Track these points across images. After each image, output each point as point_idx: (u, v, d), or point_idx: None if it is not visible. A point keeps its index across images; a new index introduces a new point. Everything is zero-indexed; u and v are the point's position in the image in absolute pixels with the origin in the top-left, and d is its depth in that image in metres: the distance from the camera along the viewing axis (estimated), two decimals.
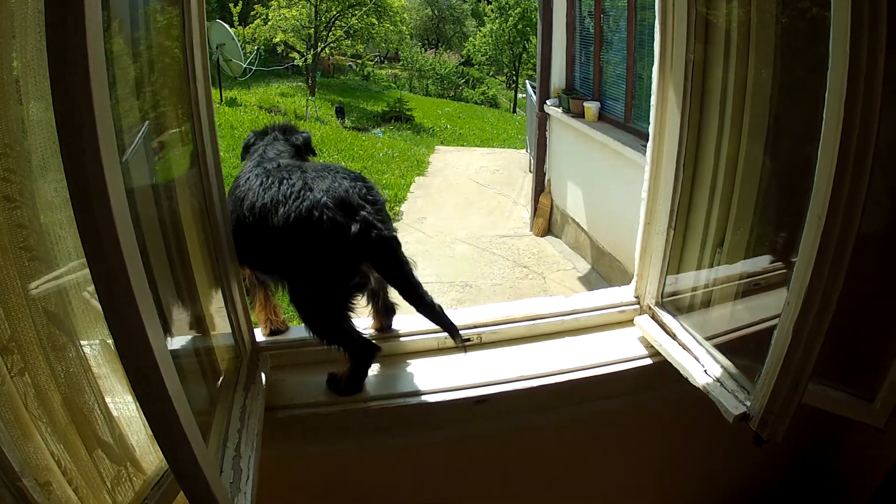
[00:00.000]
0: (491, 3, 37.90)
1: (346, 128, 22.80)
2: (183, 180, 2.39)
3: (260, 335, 2.88)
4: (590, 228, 9.35)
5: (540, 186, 11.08)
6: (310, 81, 27.88)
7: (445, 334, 2.77)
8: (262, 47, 28.90)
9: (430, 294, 2.64)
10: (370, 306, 2.89)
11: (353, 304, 2.65)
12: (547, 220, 10.89)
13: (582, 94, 9.78)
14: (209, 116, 2.37)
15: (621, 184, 8.18)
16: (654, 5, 2.63)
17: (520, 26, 35.89)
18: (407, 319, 2.95)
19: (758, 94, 2.41)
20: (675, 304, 2.88)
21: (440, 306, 2.63)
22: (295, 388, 2.74)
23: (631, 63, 8.43)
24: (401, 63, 41.70)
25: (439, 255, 10.39)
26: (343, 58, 37.93)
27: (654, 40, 2.66)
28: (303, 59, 28.46)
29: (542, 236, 10.81)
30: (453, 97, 37.63)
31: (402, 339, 2.96)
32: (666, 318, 2.81)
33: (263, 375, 2.60)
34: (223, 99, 22.27)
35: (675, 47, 2.56)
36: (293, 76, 31.56)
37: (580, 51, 10.01)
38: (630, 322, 3.02)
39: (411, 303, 2.65)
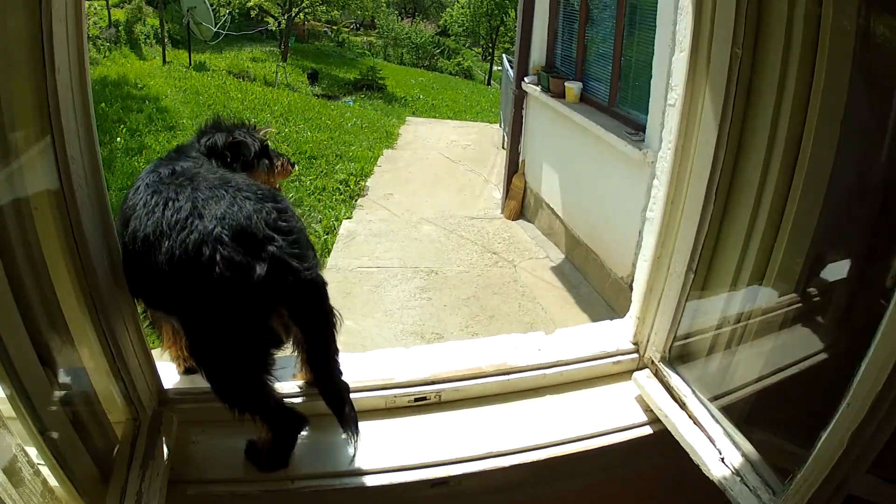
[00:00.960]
0: None
1: (316, 95, 22.49)
2: (44, 195, 1.80)
3: (174, 376, 2.36)
4: (565, 215, 8.91)
5: (513, 167, 10.62)
6: (282, 47, 27.65)
7: (395, 392, 2.35)
8: (236, 11, 28.87)
9: (342, 374, 2.14)
10: (297, 354, 2.27)
11: (270, 361, 2.05)
12: (519, 203, 10.42)
13: (563, 72, 9.26)
14: (84, 112, 1.79)
15: (601, 171, 7.79)
16: None
17: None
18: (348, 366, 2.40)
19: (826, 111, 1.84)
20: (685, 362, 2.38)
21: (349, 391, 2.15)
22: (210, 455, 2.23)
23: (619, 43, 7.83)
24: (376, 31, 41.39)
25: (404, 237, 9.93)
26: (318, 24, 37.59)
27: (656, 20, 2.13)
28: (276, 23, 28.23)
29: (513, 220, 10.36)
30: (428, 67, 37.53)
31: None
32: (674, 379, 2.31)
33: (166, 444, 2.07)
34: (192, 63, 21.96)
35: (717, 37, 1.97)
36: (267, 41, 31.43)
37: (563, 27, 9.48)
38: (626, 375, 2.54)
39: (316, 376, 2.20)
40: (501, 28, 37.77)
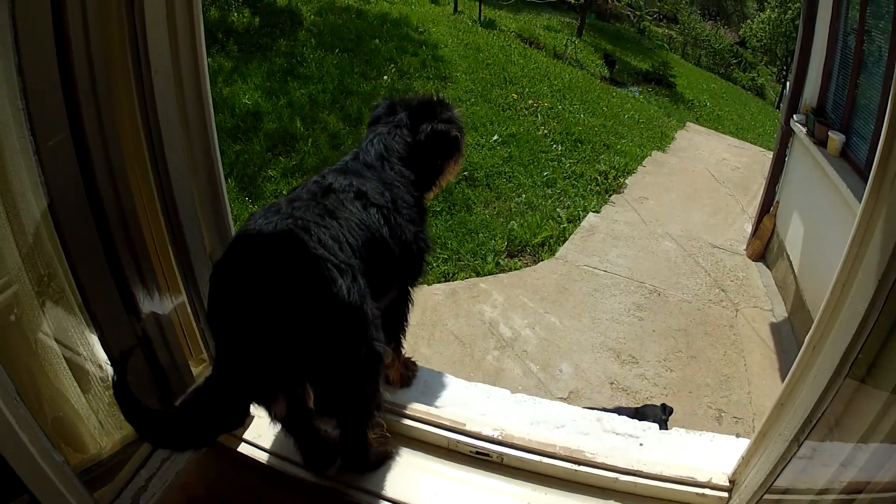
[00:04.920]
0: None
1: (602, 78, 22.06)
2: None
3: None
4: (799, 273, 8.53)
5: (767, 205, 10.24)
6: (579, 20, 27.32)
7: (459, 437, 2.55)
8: None
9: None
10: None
11: None
12: (764, 244, 10.09)
13: (831, 119, 8.69)
14: (198, 110, 2.21)
15: (841, 241, 7.03)
16: None
17: (797, 22, 33.86)
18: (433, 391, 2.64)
19: None
20: None
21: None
22: (266, 425, 2.54)
23: (885, 100, 7.02)
24: (678, 26, 40.02)
25: (642, 247, 9.94)
26: (621, 4, 36.85)
27: None
28: None
29: (754, 260, 10.05)
30: (722, 75, 35.87)
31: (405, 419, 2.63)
32: None
33: None
34: (482, 17, 21.86)
35: None
36: (567, 11, 30.72)
37: (838, 70, 8.81)
38: None
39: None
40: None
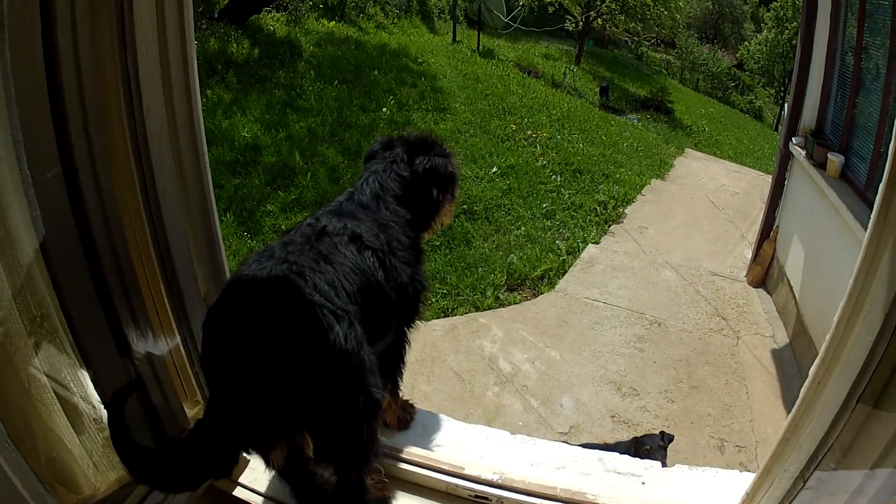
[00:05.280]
0: (770, 11, 36.62)
1: (600, 106, 22.18)
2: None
3: None
4: (800, 298, 8.49)
5: (767, 231, 10.23)
6: (577, 48, 27.52)
7: (458, 482, 2.51)
8: (536, 3, 28.76)
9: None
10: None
11: None
12: (764, 271, 10.08)
13: (830, 141, 8.68)
14: (191, 148, 2.19)
15: (842, 263, 7.19)
16: None
17: (794, 42, 34.21)
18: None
19: None
20: None
21: None
22: (262, 468, 2.46)
23: (884, 118, 7.13)
24: (676, 50, 40.35)
25: (642, 277, 9.92)
26: (618, 30, 37.06)
27: None
28: (574, 24, 28.17)
29: (755, 286, 10.04)
30: (720, 99, 36.17)
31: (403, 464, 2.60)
32: None
33: None
34: (480, 47, 21.92)
35: None
36: (565, 39, 31.14)
37: (836, 90, 8.78)
38: None
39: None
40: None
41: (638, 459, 2.82)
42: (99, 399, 2.19)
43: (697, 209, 13.19)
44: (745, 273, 10.48)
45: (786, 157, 9.72)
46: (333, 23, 18.59)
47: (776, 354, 8.38)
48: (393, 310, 2.57)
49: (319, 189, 10.46)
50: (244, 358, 2.02)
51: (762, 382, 7.78)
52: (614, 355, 7.91)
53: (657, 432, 5.54)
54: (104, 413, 2.10)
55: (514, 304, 8.97)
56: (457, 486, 2.49)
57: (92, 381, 2.18)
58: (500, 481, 2.51)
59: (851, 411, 1.94)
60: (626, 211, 12.38)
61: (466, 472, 2.56)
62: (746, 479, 2.50)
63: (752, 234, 11.79)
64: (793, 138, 9.42)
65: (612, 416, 6.93)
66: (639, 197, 13.20)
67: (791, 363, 8.12)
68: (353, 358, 2.12)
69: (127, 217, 2.20)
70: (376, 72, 15.23)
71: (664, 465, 2.95)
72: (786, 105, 13.12)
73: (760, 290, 9.98)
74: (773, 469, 2.23)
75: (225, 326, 2.10)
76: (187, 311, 2.41)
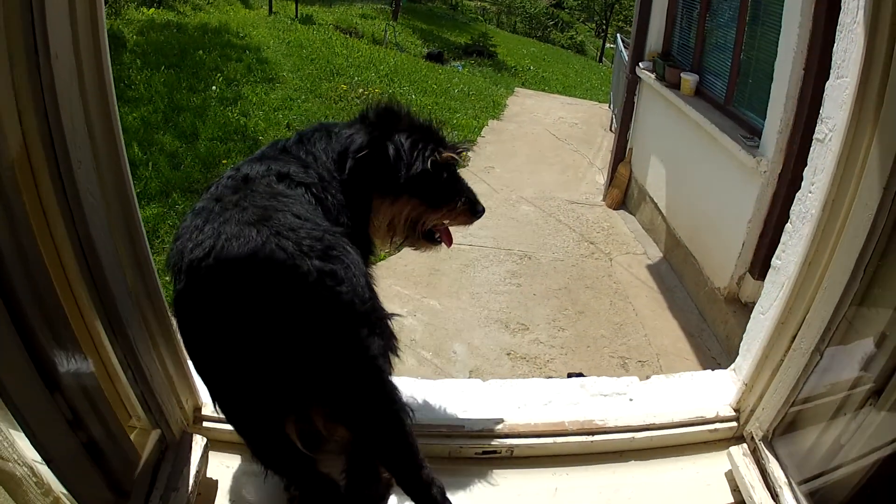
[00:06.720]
0: None
1: (424, 57, 22.29)
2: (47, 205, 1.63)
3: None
4: (668, 213, 8.59)
5: (620, 154, 10.33)
6: (394, 5, 27.51)
7: (461, 442, 2.19)
8: None
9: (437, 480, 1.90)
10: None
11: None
12: (622, 192, 10.16)
13: (680, 62, 8.88)
14: (101, 108, 1.67)
15: (710, 173, 7.42)
16: None
17: None
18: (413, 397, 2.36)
19: None
20: (789, 445, 2.11)
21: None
22: (239, 488, 2.09)
23: (740, 38, 7.33)
24: None
25: (501, 215, 9.77)
26: None
27: (781, 19, 1.80)
28: None
29: (615, 209, 10.10)
30: (540, 38, 37.06)
31: None
32: (772, 464, 2.06)
33: (194, 471, 1.93)
34: (298, 15, 21.94)
35: None
36: None
37: (683, 14, 9.03)
38: (720, 444, 2.30)
39: (407, 492, 1.89)
40: (616, 6, 37.59)
41: (614, 378, 2.68)
42: (36, 456, 1.61)
43: (540, 143, 13.28)
44: (601, 198, 10.55)
45: (633, 83, 9.87)
46: (153, 10, 17.97)
47: (653, 269, 8.45)
48: None
49: (162, 178, 9.75)
50: (245, 325, 1.59)
51: (646, 297, 7.82)
52: (493, 294, 7.73)
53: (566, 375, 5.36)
54: (46, 471, 1.56)
55: (381, 260, 8.61)
56: (460, 446, 2.22)
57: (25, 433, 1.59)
58: (508, 429, 2.29)
59: (860, 281, 1.82)
60: (469, 155, 12.14)
61: (467, 429, 2.30)
62: (722, 375, 2.54)
63: (600, 160, 12.07)
64: (639, 63, 9.58)
65: (508, 354, 6.73)
66: (479, 139, 13.21)
67: (670, 275, 8.21)
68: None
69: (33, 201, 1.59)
70: (201, 52, 14.72)
71: None
72: (618, 35, 13.21)
73: (622, 211, 10.07)
74: (772, 354, 2.12)
75: (213, 298, 1.65)
76: (120, 315, 1.81)
